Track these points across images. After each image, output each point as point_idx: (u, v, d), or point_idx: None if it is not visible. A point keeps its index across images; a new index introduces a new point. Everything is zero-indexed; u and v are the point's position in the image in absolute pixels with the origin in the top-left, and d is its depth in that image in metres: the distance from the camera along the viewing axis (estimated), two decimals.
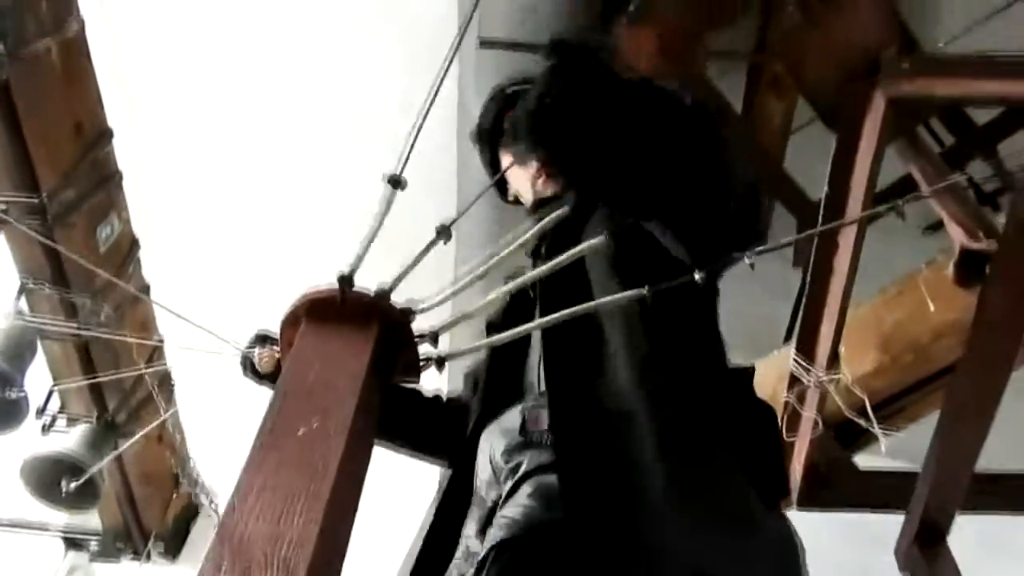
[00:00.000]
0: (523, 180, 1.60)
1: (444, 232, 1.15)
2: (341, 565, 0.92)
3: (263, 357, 1.44)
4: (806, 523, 1.41)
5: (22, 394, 2.26)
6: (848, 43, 1.69)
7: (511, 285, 1.14)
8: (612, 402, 1.26)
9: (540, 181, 1.56)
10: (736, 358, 1.43)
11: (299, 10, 3.41)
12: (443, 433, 1.73)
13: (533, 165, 1.55)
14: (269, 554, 0.82)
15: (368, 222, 1.22)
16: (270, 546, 0.82)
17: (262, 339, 1.50)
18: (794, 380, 2.26)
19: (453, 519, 1.41)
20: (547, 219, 1.10)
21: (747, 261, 0.97)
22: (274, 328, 1.53)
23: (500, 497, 1.34)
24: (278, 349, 1.46)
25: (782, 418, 2.38)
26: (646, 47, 3.07)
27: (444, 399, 1.88)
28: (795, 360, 2.21)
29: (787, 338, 4.04)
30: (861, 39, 1.68)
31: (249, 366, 1.47)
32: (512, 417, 1.41)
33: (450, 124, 3.07)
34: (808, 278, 2.04)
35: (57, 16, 2.11)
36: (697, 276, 0.98)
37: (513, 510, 1.27)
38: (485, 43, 2.72)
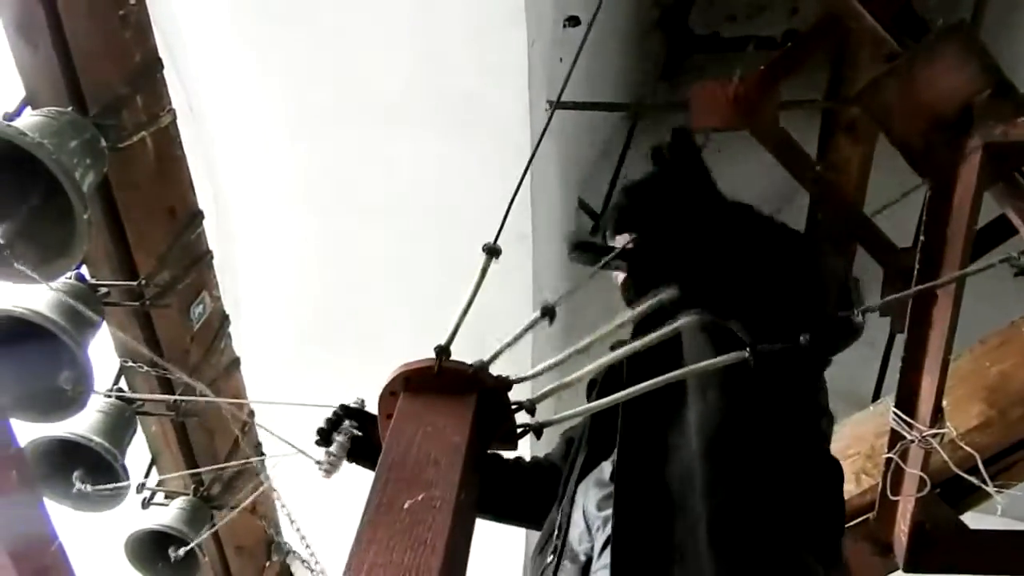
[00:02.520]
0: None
1: (549, 312, 1.16)
2: None
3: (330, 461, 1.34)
4: None
5: (123, 471, 2.33)
6: (937, 89, 1.65)
7: (615, 354, 1.14)
8: (677, 468, 1.25)
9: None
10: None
11: (376, 100, 3.51)
12: (527, 498, 1.72)
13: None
14: None
15: (457, 292, 1.23)
16: None
17: (338, 418, 1.52)
18: (895, 436, 2.17)
19: None
20: (647, 305, 1.10)
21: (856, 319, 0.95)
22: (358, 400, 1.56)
23: (592, 549, 1.33)
24: (353, 429, 1.45)
25: (884, 476, 2.29)
26: (718, 100, 3.08)
27: (526, 463, 1.86)
28: (896, 416, 2.12)
29: (877, 392, 3.92)
30: (951, 85, 1.64)
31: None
32: (605, 468, 1.41)
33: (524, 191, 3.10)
34: (906, 331, 1.96)
35: (151, 110, 2.21)
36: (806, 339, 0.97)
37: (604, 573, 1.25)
38: (558, 106, 2.76)
